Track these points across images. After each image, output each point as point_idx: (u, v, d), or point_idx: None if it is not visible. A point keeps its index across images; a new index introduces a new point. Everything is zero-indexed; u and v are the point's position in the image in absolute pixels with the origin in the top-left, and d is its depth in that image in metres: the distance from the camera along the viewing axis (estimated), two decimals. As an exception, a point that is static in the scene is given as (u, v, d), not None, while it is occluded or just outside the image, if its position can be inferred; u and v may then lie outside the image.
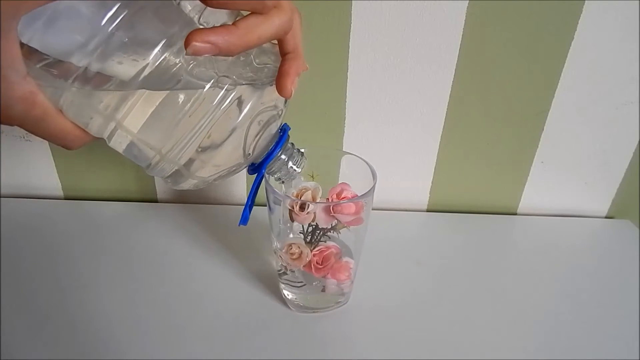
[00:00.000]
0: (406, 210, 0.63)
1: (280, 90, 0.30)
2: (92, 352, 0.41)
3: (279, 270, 0.45)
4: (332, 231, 0.40)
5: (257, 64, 0.30)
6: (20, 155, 0.60)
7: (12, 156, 0.60)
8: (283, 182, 0.38)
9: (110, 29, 0.25)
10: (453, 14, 0.50)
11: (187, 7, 0.28)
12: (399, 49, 0.52)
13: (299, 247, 0.40)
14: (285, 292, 0.46)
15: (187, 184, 0.32)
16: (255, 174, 0.37)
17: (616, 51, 0.52)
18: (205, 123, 0.28)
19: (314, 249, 0.40)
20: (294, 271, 0.42)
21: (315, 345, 0.43)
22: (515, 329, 0.46)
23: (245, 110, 0.29)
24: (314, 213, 0.38)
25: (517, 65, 0.53)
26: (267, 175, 0.39)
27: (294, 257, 0.40)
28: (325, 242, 0.40)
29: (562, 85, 0.55)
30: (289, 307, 0.47)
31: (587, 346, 0.44)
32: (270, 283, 0.49)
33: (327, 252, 0.40)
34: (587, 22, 0.51)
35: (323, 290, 0.43)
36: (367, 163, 0.42)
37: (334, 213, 0.39)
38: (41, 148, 0.59)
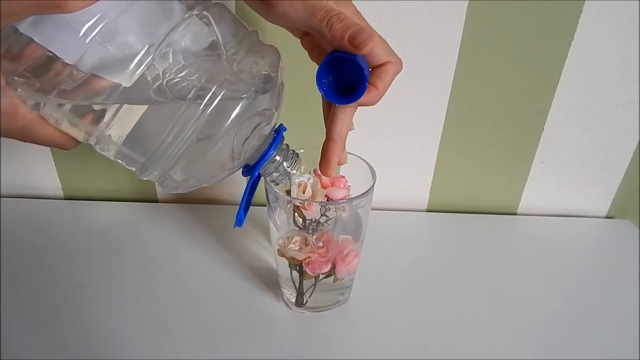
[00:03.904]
0: (406, 210, 0.63)
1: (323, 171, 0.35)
2: (91, 351, 0.41)
3: (297, 299, 0.45)
4: (324, 220, 0.40)
5: (245, 67, 0.30)
6: (20, 155, 0.60)
7: (12, 156, 0.60)
8: (277, 183, 0.38)
9: (88, 40, 0.25)
10: (453, 14, 0.50)
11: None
12: (399, 49, 0.52)
13: (301, 235, 0.40)
14: (286, 292, 0.46)
15: (178, 189, 0.32)
16: (249, 176, 0.37)
17: (616, 51, 0.52)
18: (189, 133, 0.28)
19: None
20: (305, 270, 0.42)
21: (315, 345, 0.43)
22: (515, 328, 0.46)
23: (230, 119, 0.29)
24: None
25: (517, 65, 0.53)
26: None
27: (298, 246, 0.40)
28: (321, 229, 0.41)
29: (562, 85, 0.55)
30: (289, 307, 0.47)
31: (587, 346, 0.44)
32: (270, 283, 0.49)
33: (326, 236, 0.40)
34: (587, 22, 0.51)
35: (332, 274, 0.43)
36: (367, 163, 0.42)
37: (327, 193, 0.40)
38: (41, 148, 0.59)
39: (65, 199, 0.64)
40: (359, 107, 0.34)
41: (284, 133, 0.36)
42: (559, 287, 0.51)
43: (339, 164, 0.37)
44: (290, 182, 0.38)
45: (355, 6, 0.32)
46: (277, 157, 0.36)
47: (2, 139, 0.58)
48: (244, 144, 0.31)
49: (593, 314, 0.48)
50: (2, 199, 0.61)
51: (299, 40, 0.35)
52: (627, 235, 0.61)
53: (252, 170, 0.35)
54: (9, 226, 0.56)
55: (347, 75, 0.31)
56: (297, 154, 0.37)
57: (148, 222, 0.58)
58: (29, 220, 0.58)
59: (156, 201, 0.63)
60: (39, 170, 0.61)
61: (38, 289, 0.48)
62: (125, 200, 0.62)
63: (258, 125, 0.31)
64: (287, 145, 0.37)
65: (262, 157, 0.35)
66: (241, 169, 0.36)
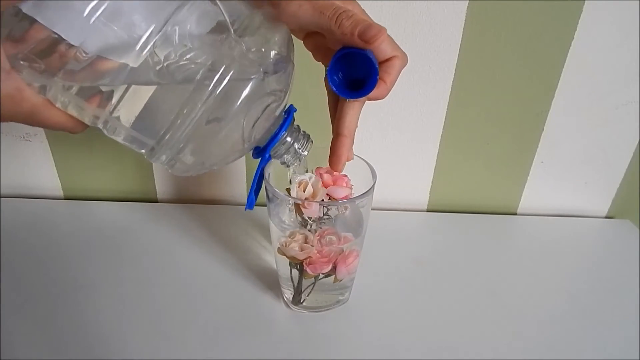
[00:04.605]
0: (406, 210, 0.63)
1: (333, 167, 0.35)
2: (91, 351, 0.41)
3: (294, 296, 0.45)
4: (325, 217, 0.40)
5: (254, 47, 0.29)
6: (20, 155, 0.60)
7: (12, 156, 0.60)
8: (289, 166, 0.37)
9: (93, 20, 0.24)
10: (453, 14, 0.50)
11: None
12: (399, 49, 0.52)
13: (302, 233, 0.40)
14: (286, 292, 0.46)
15: (189, 172, 0.32)
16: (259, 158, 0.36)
17: (616, 51, 0.53)
18: (198, 115, 0.27)
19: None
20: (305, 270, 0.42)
21: (315, 345, 0.43)
22: (515, 328, 0.46)
23: (239, 100, 0.28)
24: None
25: (517, 65, 0.53)
26: (266, 177, 0.39)
27: (299, 245, 0.40)
28: (321, 227, 0.41)
29: (562, 85, 0.55)
30: (289, 307, 0.47)
31: (587, 346, 0.44)
32: (270, 283, 0.49)
33: (326, 234, 0.40)
34: (587, 22, 0.51)
35: (332, 273, 0.43)
36: (367, 163, 0.42)
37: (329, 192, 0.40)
38: (41, 148, 0.59)
39: (65, 199, 0.64)
40: (363, 106, 0.34)
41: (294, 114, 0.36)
42: (559, 287, 0.51)
43: (347, 160, 0.37)
44: (301, 165, 0.38)
45: (359, 4, 0.33)
46: (288, 139, 0.35)
47: (2, 138, 0.58)
48: (254, 125, 0.31)
49: (593, 314, 0.48)
50: (2, 199, 0.61)
51: (302, 41, 0.35)
52: (627, 235, 0.61)
53: (262, 152, 0.35)
54: (9, 226, 0.56)
55: (355, 72, 0.31)
56: (309, 135, 0.37)
57: (148, 222, 0.58)
58: (29, 220, 0.58)
59: (156, 201, 0.63)
60: (39, 170, 0.61)
61: (38, 289, 0.48)
62: (125, 200, 0.62)
63: (268, 106, 0.31)
64: (298, 126, 0.36)
65: (273, 139, 0.34)
66: (251, 151, 0.35)
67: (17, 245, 0.53)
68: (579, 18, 0.50)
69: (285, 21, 0.32)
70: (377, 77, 0.31)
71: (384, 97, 0.33)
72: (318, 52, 0.34)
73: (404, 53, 0.33)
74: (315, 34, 0.32)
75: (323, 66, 0.34)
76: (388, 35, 0.31)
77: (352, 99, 0.33)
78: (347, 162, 0.38)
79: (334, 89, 0.32)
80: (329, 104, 0.36)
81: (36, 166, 0.61)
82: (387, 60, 0.32)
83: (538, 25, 0.51)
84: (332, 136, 0.35)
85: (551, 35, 0.52)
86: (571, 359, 0.43)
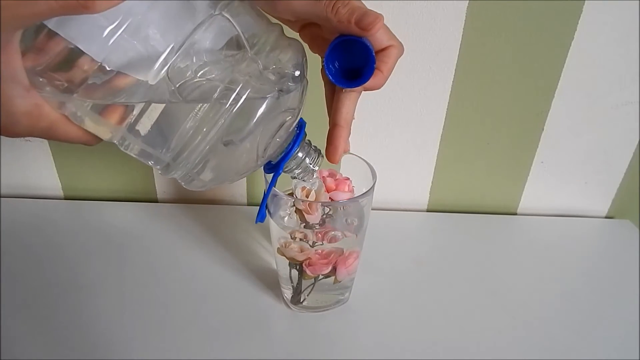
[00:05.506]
0: (406, 210, 0.63)
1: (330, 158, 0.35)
2: (91, 352, 0.41)
3: (293, 296, 0.45)
4: (326, 216, 0.40)
5: (270, 65, 0.30)
6: (20, 155, 0.60)
7: (12, 156, 0.60)
8: (300, 179, 0.38)
9: (115, 38, 0.24)
10: (453, 14, 0.50)
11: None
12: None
13: (302, 232, 0.40)
14: (286, 292, 0.46)
15: (204, 187, 0.32)
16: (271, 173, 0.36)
17: (616, 51, 0.53)
18: (213, 133, 0.27)
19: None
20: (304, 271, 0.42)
21: (315, 345, 0.43)
22: (515, 329, 0.46)
23: (254, 119, 0.28)
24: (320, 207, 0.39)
25: (517, 65, 0.53)
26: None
27: (298, 246, 0.40)
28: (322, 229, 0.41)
29: (562, 85, 0.55)
30: (289, 307, 0.47)
31: (587, 346, 0.44)
32: (270, 283, 0.49)
33: (324, 232, 0.40)
34: (587, 22, 0.51)
35: (332, 274, 0.43)
36: (367, 163, 0.42)
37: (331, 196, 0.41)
38: (41, 148, 0.59)
39: (65, 199, 0.64)
40: (361, 105, 0.34)
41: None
42: (559, 287, 0.51)
43: (344, 151, 0.37)
44: (313, 179, 0.38)
45: None
46: (300, 154, 0.35)
47: (2, 138, 0.58)
48: (269, 139, 0.31)
49: (593, 314, 0.48)
50: (2, 199, 0.61)
51: (298, 34, 0.34)
52: (627, 235, 0.61)
53: (275, 168, 0.35)
54: (9, 226, 0.56)
55: (352, 61, 0.31)
56: (319, 150, 0.37)
57: (148, 222, 0.58)
58: (29, 220, 0.58)
59: (156, 201, 0.63)
60: (39, 170, 0.61)
61: (38, 289, 0.48)
62: (125, 200, 0.62)
63: (284, 123, 0.31)
64: (309, 141, 0.36)
65: (286, 154, 0.34)
66: (263, 167, 0.35)
67: (17, 245, 0.53)
68: (579, 18, 0.50)
69: (281, 11, 0.31)
70: (375, 65, 0.30)
71: (380, 87, 0.32)
72: (314, 43, 0.34)
73: (400, 42, 0.33)
74: (311, 24, 0.32)
75: (319, 62, 0.33)
76: (384, 24, 0.31)
77: (348, 89, 0.32)
78: (344, 163, 0.38)
79: (331, 77, 0.31)
80: (325, 94, 0.36)
81: (36, 166, 0.61)
82: (384, 49, 0.32)
83: (538, 25, 0.51)
84: (328, 128, 0.35)
85: (551, 35, 0.52)
86: (571, 359, 0.43)
